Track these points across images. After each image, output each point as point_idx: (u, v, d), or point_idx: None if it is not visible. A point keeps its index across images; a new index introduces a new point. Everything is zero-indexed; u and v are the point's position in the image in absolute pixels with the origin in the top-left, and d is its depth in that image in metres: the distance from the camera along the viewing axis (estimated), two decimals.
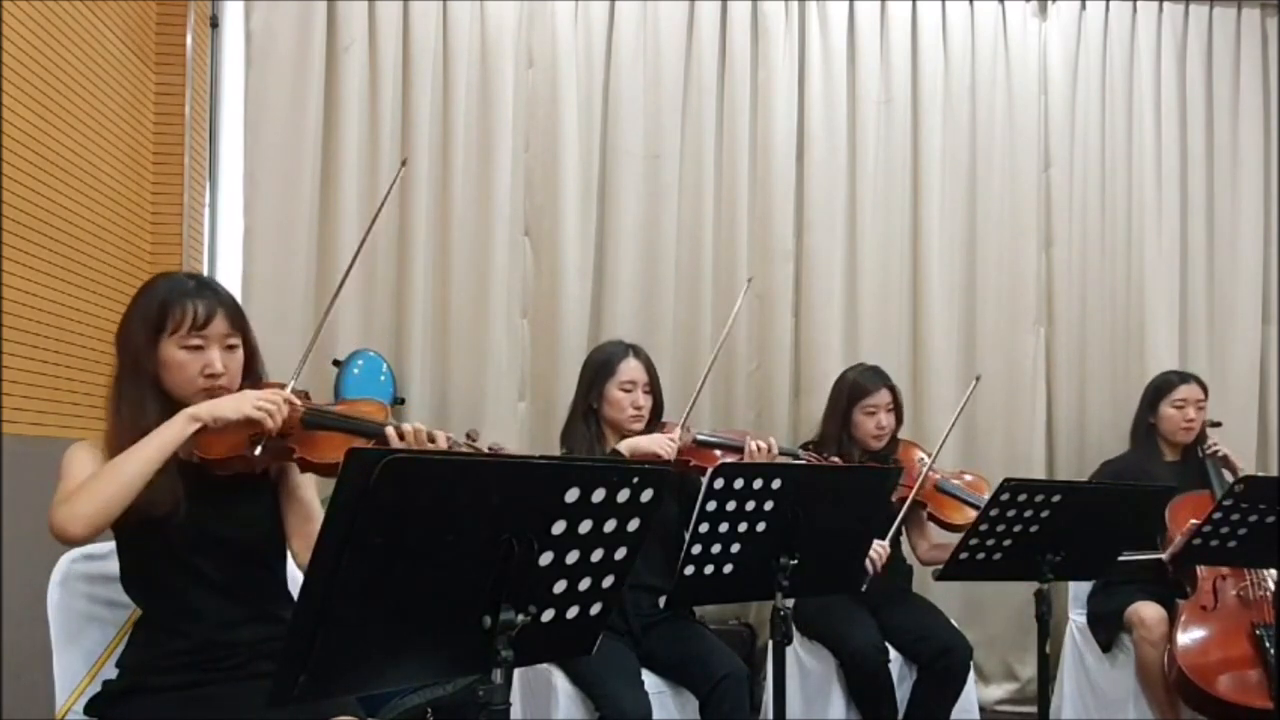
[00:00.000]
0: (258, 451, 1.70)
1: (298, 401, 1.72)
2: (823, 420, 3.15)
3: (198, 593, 1.72)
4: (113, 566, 1.93)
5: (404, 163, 1.90)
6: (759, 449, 2.71)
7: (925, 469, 2.92)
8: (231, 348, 1.77)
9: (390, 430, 1.77)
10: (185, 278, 1.81)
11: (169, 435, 1.62)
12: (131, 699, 1.70)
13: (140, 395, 1.71)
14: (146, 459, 1.60)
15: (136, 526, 1.68)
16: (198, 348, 1.72)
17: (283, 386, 1.79)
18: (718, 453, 2.76)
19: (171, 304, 1.72)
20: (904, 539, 3.13)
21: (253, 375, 1.82)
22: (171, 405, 1.72)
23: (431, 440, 1.80)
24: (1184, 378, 3.39)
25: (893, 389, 3.07)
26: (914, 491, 2.86)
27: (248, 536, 1.75)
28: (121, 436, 1.68)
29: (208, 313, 1.72)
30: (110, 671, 1.80)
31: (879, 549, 2.64)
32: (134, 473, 1.59)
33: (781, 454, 2.80)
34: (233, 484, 1.76)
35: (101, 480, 1.60)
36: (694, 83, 3.82)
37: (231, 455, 1.72)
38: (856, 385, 3.05)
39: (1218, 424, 3.42)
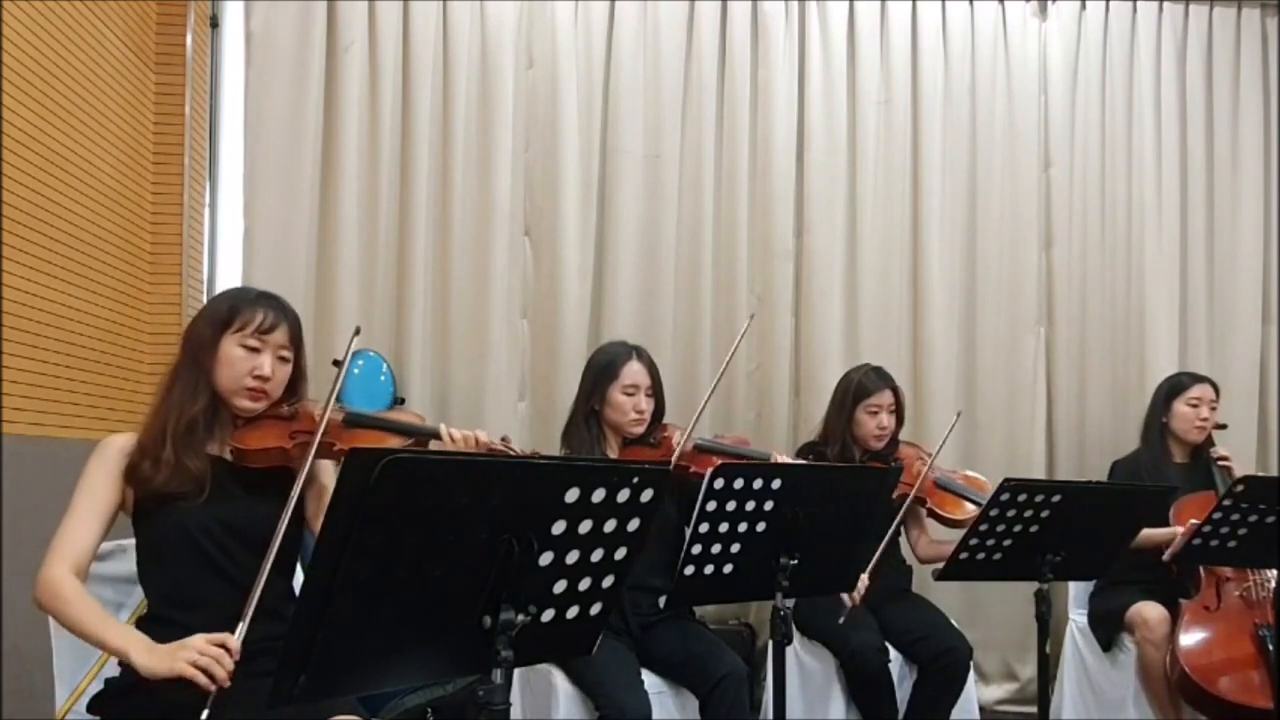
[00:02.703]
0: (283, 521, 1.74)
1: (235, 646, 1.64)
2: (825, 417, 3.17)
3: (207, 583, 1.75)
4: (113, 566, 1.95)
5: (357, 329, 1.98)
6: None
7: (926, 467, 2.93)
8: (284, 359, 1.89)
9: (442, 428, 1.88)
10: (256, 291, 1.93)
11: (107, 643, 1.67)
12: (134, 696, 1.70)
13: (194, 384, 1.82)
14: (87, 635, 1.69)
15: (157, 506, 1.77)
16: (254, 349, 1.84)
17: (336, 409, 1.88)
18: (717, 459, 2.77)
19: (242, 306, 1.85)
20: (903, 538, 3.14)
21: (295, 394, 1.93)
22: (216, 402, 1.83)
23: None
24: (1197, 378, 3.37)
25: (895, 390, 3.09)
26: (914, 489, 2.87)
27: (265, 531, 1.77)
28: (167, 416, 1.80)
29: (274, 321, 1.86)
30: (111, 670, 1.80)
31: (862, 583, 2.56)
32: (78, 634, 1.72)
33: None
34: (259, 480, 1.83)
35: (65, 612, 1.70)
36: (694, 82, 3.82)
37: (271, 447, 1.82)
38: (861, 385, 3.07)
39: (1223, 426, 3.41)
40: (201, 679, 1.55)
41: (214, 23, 3.66)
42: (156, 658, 1.60)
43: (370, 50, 3.63)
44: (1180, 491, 3.06)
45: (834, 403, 3.14)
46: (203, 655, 1.57)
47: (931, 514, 2.96)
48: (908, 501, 2.84)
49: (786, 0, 3.86)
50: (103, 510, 1.77)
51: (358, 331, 1.95)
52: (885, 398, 3.05)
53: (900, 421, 3.12)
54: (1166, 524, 3.03)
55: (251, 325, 1.83)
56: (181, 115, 3.47)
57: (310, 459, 1.75)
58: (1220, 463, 3.28)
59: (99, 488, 1.78)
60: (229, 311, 1.85)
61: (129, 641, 1.64)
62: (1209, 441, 3.35)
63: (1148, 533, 2.76)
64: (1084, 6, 4.03)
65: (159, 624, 1.75)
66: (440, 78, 3.69)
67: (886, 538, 2.74)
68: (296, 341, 1.91)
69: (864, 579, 2.55)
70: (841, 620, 2.65)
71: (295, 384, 1.93)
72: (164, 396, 1.84)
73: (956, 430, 3.27)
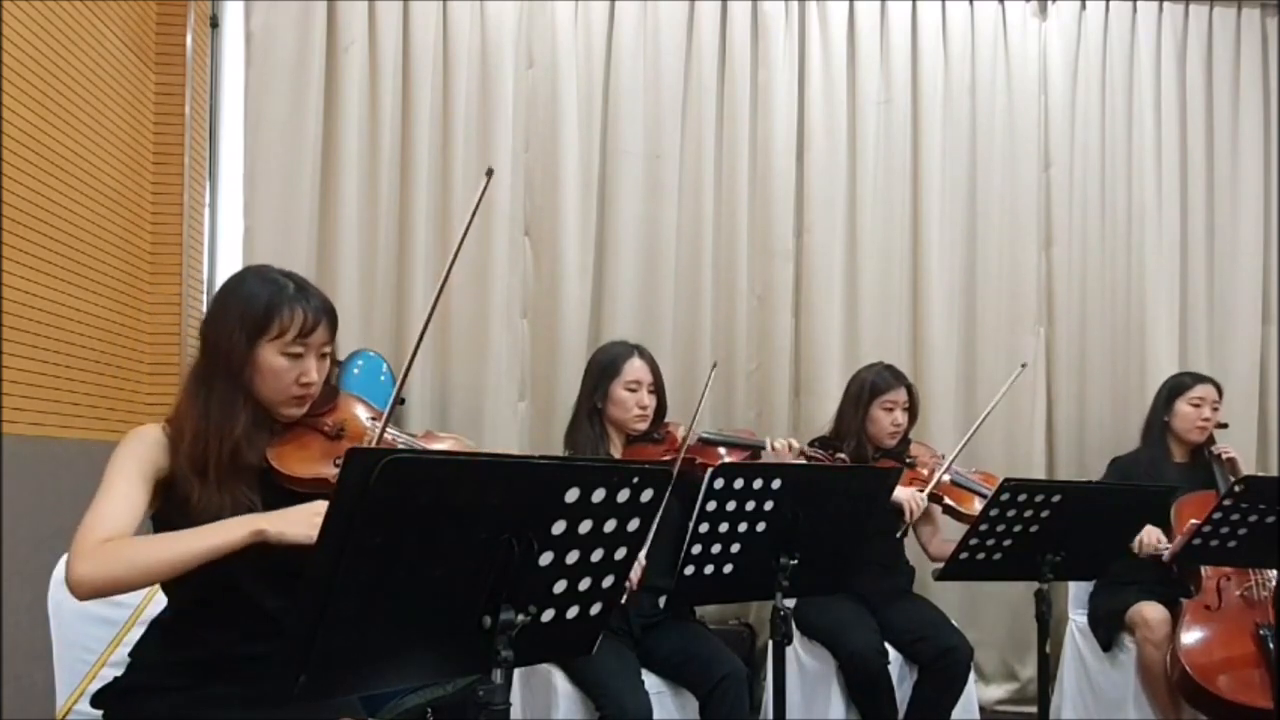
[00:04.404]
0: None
1: None
2: (838, 415, 3.18)
3: (230, 603, 1.67)
4: None
5: (490, 172, 1.81)
6: (785, 448, 2.75)
7: (942, 466, 2.95)
8: (324, 356, 1.72)
9: None
10: (284, 278, 1.71)
11: (227, 540, 1.51)
12: (141, 695, 1.69)
13: (233, 400, 1.65)
14: (193, 555, 1.51)
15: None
16: (297, 355, 1.66)
17: (378, 416, 1.77)
18: (722, 450, 2.78)
19: (278, 308, 1.65)
20: (910, 538, 3.14)
21: (328, 384, 1.78)
22: (258, 410, 1.68)
23: None
24: (1200, 379, 3.38)
25: (910, 388, 3.11)
26: (930, 485, 2.88)
27: (294, 548, 1.65)
28: (207, 439, 1.62)
29: (315, 320, 1.67)
30: (111, 671, 1.80)
31: (917, 498, 2.86)
32: (171, 565, 1.51)
33: None
34: (297, 497, 1.68)
35: (136, 558, 1.51)
36: (694, 82, 3.82)
37: (317, 477, 1.66)
38: (875, 383, 3.09)
39: (1224, 425, 3.41)
40: None
41: (214, 23, 3.66)
42: (293, 525, 1.51)
43: (370, 50, 3.63)
44: (1180, 491, 3.06)
45: (848, 400, 3.15)
46: None
47: (949, 510, 2.97)
48: (926, 492, 2.87)
49: (786, 0, 3.86)
50: (142, 497, 1.60)
51: (490, 173, 1.77)
52: (900, 395, 3.07)
53: (913, 419, 3.14)
54: (1168, 524, 3.03)
55: (292, 331, 1.64)
56: (181, 115, 3.47)
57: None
58: (1222, 456, 3.28)
59: (136, 478, 1.60)
60: (265, 315, 1.64)
61: (249, 519, 1.53)
62: (1210, 440, 3.35)
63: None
64: (1084, 6, 4.03)
65: (175, 634, 1.71)
66: (440, 78, 3.68)
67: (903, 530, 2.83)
68: (334, 331, 1.73)
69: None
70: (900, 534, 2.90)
71: (328, 374, 1.77)
72: (201, 411, 1.64)
73: (957, 430, 3.27)
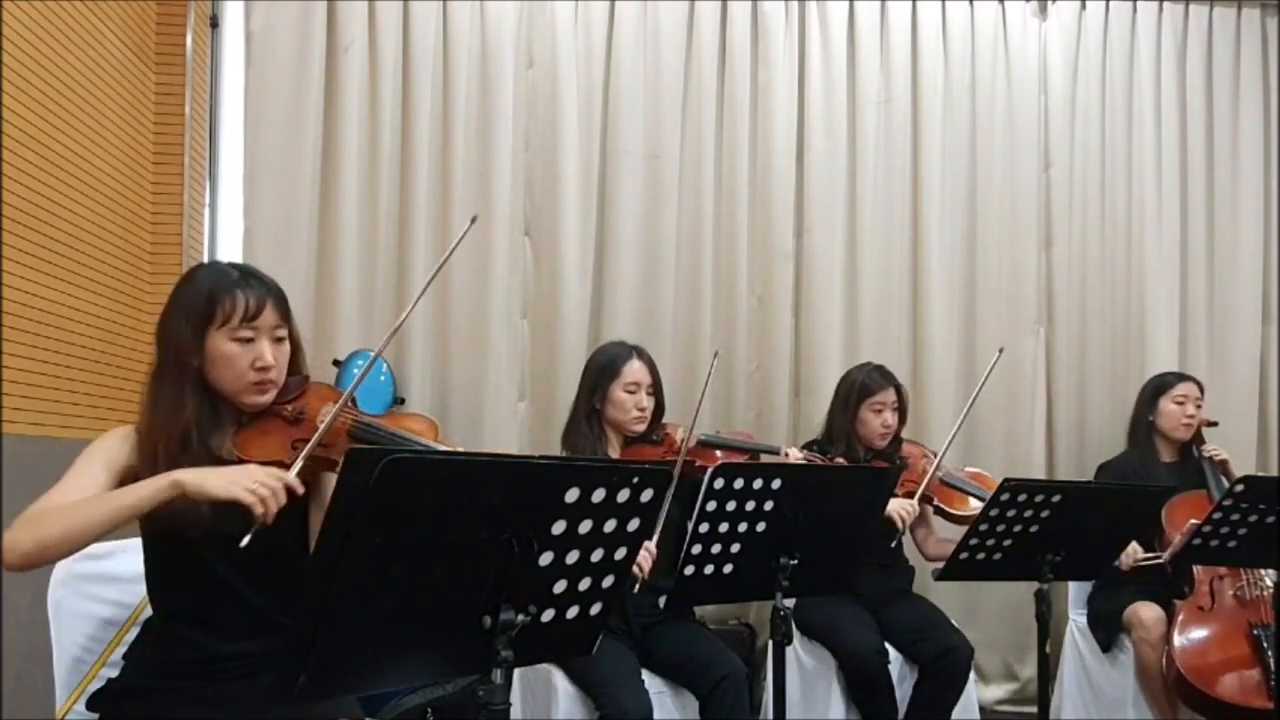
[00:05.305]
0: (298, 464, 1.59)
1: (298, 488, 1.56)
2: (828, 417, 3.17)
3: (217, 602, 1.67)
4: (113, 566, 1.93)
5: (474, 219, 1.83)
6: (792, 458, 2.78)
7: (933, 464, 2.94)
8: (280, 340, 1.71)
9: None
10: (229, 267, 1.71)
11: (146, 494, 1.51)
12: (135, 697, 1.69)
13: (180, 390, 1.65)
14: (116, 510, 1.51)
15: (165, 534, 1.63)
16: (248, 340, 1.66)
17: (335, 398, 1.73)
18: (719, 453, 2.78)
19: (220, 294, 1.65)
20: (908, 537, 3.14)
21: (296, 370, 1.76)
22: (213, 401, 1.68)
23: None
24: (1181, 376, 3.42)
25: (899, 388, 3.10)
26: (921, 487, 2.87)
27: (274, 545, 1.62)
28: (155, 432, 1.63)
29: (258, 303, 1.66)
30: (110, 672, 1.80)
31: (906, 507, 2.78)
32: (97, 522, 1.50)
33: None
34: None
35: (63, 518, 1.50)
36: (694, 83, 3.82)
37: (270, 461, 1.63)
38: (865, 384, 3.08)
39: (1214, 424, 3.42)
40: (259, 508, 1.48)
41: (214, 23, 3.66)
42: (214, 479, 1.49)
43: (370, 50, 3.63)
44: (1174, 491, 3.06)
45: (838, 402, 3.15)
46: (262, 485, 1.49)
47: (939, 511, 2.96)
48: (917, 496, 2.86)
49: (786, 0, 3.86)
50: (99, 483, 1.60)
51: (474, 220, 1.75)
52: (889, 396, 3.07)
53: (904, 419, 3.13)
54: (1158, 526, 3.03)
55: (236, 315, 1.64)
56: (181, 115, 3.47)
57: (317, 473, 1.61)
58: (1214, 458, 3.28)
59: (98, 467, 1.61)
60: (207, 304, 1.64)
61: (169, 474, 1.51)
62: (1198, 439, 3.36)
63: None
64: (1084, 6, 4.03)
65: (167, 635, 1.71)
66: (440, 78, 3.68)
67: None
68: (286, 314, 1.72)
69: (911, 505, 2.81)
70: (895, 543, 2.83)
71: (294, 359, 1.75)
72: (150, 411, 1.65)
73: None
